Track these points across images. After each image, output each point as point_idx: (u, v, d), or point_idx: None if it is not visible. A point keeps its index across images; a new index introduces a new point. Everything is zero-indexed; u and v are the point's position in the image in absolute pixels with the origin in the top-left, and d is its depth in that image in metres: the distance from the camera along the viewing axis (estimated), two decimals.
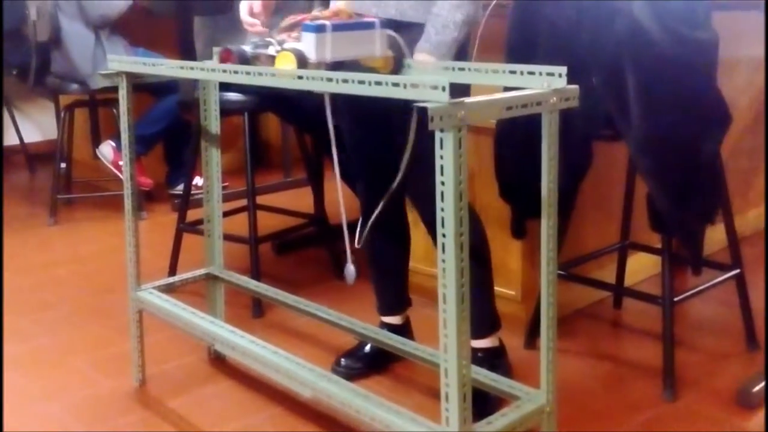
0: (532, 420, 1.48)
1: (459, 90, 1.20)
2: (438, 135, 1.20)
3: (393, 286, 2.09)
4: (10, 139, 4.71)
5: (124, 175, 1.95)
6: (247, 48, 1.56)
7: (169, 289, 2.08)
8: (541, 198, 1.42)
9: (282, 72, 1.45)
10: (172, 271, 2.66)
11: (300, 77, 1.40)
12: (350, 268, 1.58)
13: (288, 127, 3.88)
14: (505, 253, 2.25)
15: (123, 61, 1.87)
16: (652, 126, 1.77)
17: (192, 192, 2.75)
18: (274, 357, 1.66)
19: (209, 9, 2.53)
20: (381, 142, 1.86)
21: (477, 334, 1.87)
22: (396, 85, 1.25)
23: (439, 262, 1.25)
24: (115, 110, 3.43)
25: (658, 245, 2.03)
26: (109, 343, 2.31)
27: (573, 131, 1.77)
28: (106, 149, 3.57)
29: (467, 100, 1.20)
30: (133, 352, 2.02)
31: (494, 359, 1.92)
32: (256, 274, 2.45)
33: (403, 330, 2.06)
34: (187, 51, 2.58)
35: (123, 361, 2.13)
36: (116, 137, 3.51)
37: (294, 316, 2.24)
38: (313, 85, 1.39)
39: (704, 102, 1.80)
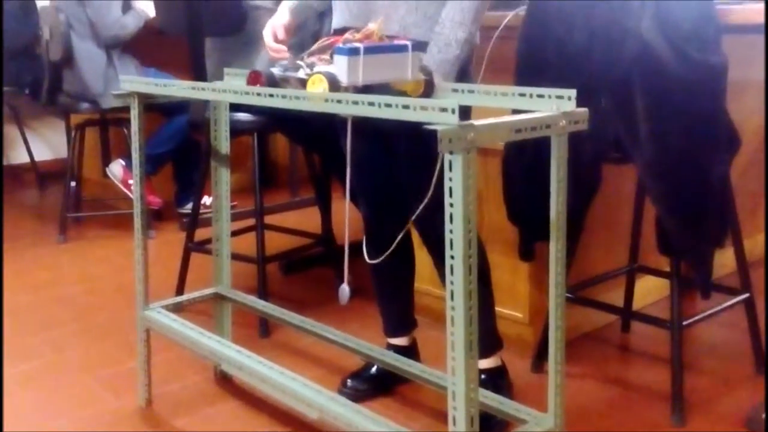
0: None
1: (461, 112, 1.21)
2: (447, 157, 1.20)
3: (398, 307, 2.08)
4: (21, 157, 4.75)
5: (135, 195, 1.96)
6: (276, 70, 1.56)
7: (176, 309, 2.09)
8: (549, 221, 1.42)
9: (312, 95, 1.45)
10: (180, 290, 2.66)
11: (326, 100, 1.41)
12: (345, 289, 1.58)
13: (296, 147, 3.89)
14: (513, 275, 2.24)
15: (135, 81, 1.88)
16: (661, 149, 1.77)
17: (200, 211, 2.76)
18: (281, 378, 1.65)
19: (220, 30, 2.55)
20: (386, 163, 1.86)
21: (480, 354, 1.86)
22: (406, 107, 1.26)
23: (447, 284, 1.25)
24: (125, 129, 3.46)
25: (667, 268, 2.02)
26: (116, 361, 2.31)
27: (582, 153, 1.77)
28: (116, 168, 3.59)
29: (477, 122, 1.20)
30: (139, 371, 2.02)
31: (497, 380, 1.92)
32: (264, 293, 2.45)
33: (410, 351, 2.06)
34: (198, 71, 2.60)
35: (130, 380, 2.13)
36: (126, 156, 3.53)
37: (301, 336, 2.24)
38: (325, 107, 1.40)
39: (713, 125, 1.80)
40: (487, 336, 1.90)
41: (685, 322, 1.94)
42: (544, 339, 1.79)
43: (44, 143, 4.89)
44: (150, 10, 3.38)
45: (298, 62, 1.55)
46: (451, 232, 1.22)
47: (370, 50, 1.46)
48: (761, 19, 1.83)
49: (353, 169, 1.92)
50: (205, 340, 1.87)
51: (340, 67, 1.44)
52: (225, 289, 2.15)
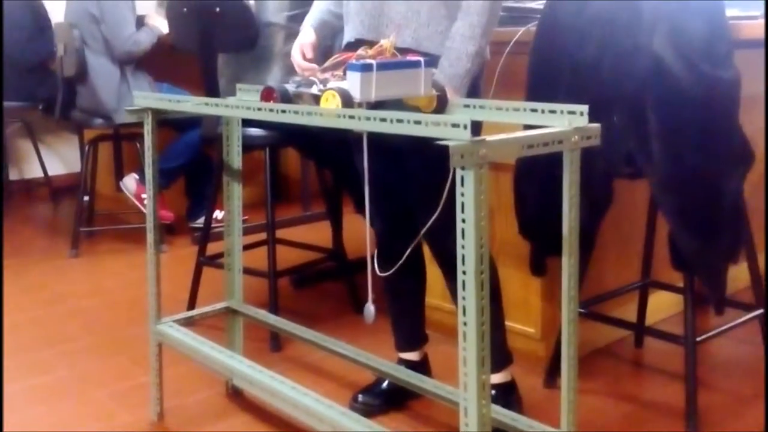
0: None
1: (471, 127, 1.22)
2: (459, 172, 1.20)
3: (410, 322, 2.08)
4: (35, 172, 4.79)
5: (147, 210, 1.97)
6: (290, 86, 1.57)
7: (188, 323, 2.09)
8: (561, 235, 1.42)
9: (325, 111, 1.46)
10: (192, 305, 2.67)
11: (339, 116, 1.41)
12: (370, 308, 1.57)
13: (308, 162, 3.90)
14: (525, 290, 2.24)
15: (149, 97, 1.90)
16: (674, 164, 1.77)
17: (212, 225, 2.77)
18: (292, 392, 1.65)
19: (233, 46, 2.57)
20: (399, 178, 1.87)
21: (491, 368, 1.86)
22: (417, 122, 1.27)
23: (459, 299, 1.25)
24: (138, 144, 3.48)
25: (680, 284, 2.01)
26: (129, 375, 2.31)
27: (594, 169, 1.77)
28: (130, 182, 3.61)
29: (488, 138, 1.20)
30: (152, 386, 2.02)
31: (507, 395, 1.92)
32: (275, 308, 2.45)
33: (421, 366, 2.05)
34: (211, 87, 2.62)
35: (142, 394, 2.13)
36: (140, 170, 3.55)
37: (312, 350, 2.24)
38: (337, 123, 1.41)
39: (726, 140, 1.79)
40: (497, 351, 1.89)
41: (698, 338, 1.93)
42: (557, 354, 1.78)
43: (58, 158, 4.93)
44: (163, 27, 3.41)
45: (312, 78, 1.56)
46: (463, 247, 1.22)
47: (383, 66, 1.46)
48: None
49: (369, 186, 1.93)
50: (216, 354, 1.87)
51: (353, 83, 1.45)
52: (236, 303, 2.16)
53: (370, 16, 1.78)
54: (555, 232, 1.45)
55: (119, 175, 3.85)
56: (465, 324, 1.24)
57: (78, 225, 3.56)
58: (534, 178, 1.91)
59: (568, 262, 1.43)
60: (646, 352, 2.39)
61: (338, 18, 1.91)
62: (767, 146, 2.32)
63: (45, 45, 4.07)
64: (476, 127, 1.62)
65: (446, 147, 1.16)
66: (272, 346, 2.45)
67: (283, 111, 1.51)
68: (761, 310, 2.09)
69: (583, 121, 1.36)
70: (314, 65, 1.77)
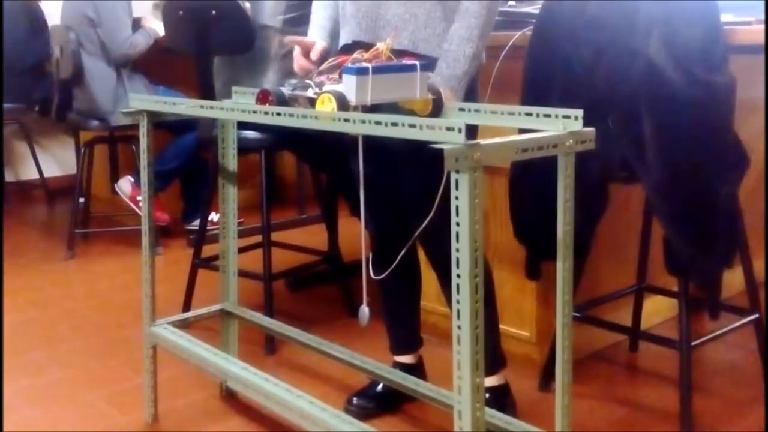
0: None
1: (468, 131, 1.22)
2: (454, 176, 1.20)
3: (405, 326, 2.08)
4: (30, 174, 4.78)
5: (143, 212, 1.96)
6: (285, 89, 1.58)
7: (183, 325, 2.09)
8: (556, 240, 1.42)
9: (320, 114, 1.46)
10: (187, 307, 2.66)
11: (334, 119, 1.41)
12: (364, 310, 1.57)
13: (303, 165, 3.90)
14: (520, 294, 2.24)
15: (144, 99, 1.90)
16: (669, 169, 1.77)
17: (207, 228, 2.77)
18: (287, 395, 1.65)
19: (229, 49, 2.57)
20: (394, 181, 1.87)
21: (484, 373, 1.86)
22: (412, 126, 1.27)
23: (453, 303, 1.25)
24: (134, 147, 3.48)
25: (675, 288, 2.01)
26: (123, 377, 2.31)
27: (589, 173, 1.77)
28: (125, 184, 3.61)
29: (483, 141, 1.21)
30: (146, 388, 2.02)
31: (501, 398, 1.93)
32: (270, 310, 2.45)
33: (416, 369, 2.05)
34: (207, 90, 2.62)
35: (136, 396, 2.13)
36: (135, 173, 3.55)
37: (307, 353, 2.23)
38: (333, 126, 1.41)
39: (721, 145, 1.80)
40: (491, 354, 1.89)
41: (693, 343, 1.93)
42: (551, 358, 1.78)
43: (53, 160, 4.92)
44: (159, 29, 3.41)
45: (307, 81, 1.56)
46: (457, 250, 1.22)
47: (378, 70, 1.47)
48: None
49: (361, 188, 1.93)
50: (211, 356, 1.86)
51: (348, 86, 1.45)
52: (231, 305, 2.16)
53: (368, 18, 1.78)
54: (550, 237, 1.45)
55: (115, 178, 3.85)
56: (459, 327, 1.24)
57: (73, 227, 3.56)
58: (529, 181, 1.91)
59: (563, 267, 1.43)
60: (640, 356, 2.39)
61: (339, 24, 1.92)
62: (767, 152, 2.33)
63: (41, 47, 4.06)
64: (472, 131, 1.63)
65: (441, 150, 1.16)
66: (267, 349, 2.45)
67: (279, 114, 1.51)
68: (756, 315, 2.10)
69: (577, 126, 1.36)
70: (312, 67, 1.77)
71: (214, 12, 2.55)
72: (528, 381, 2.15)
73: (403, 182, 1.84)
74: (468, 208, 1.20)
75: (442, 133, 1.21)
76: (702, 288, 1.96)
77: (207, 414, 2.09)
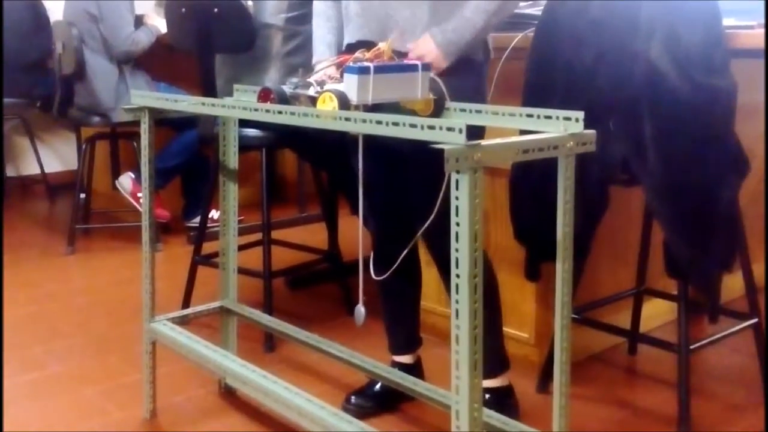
0: None
1: (474, 132, 1.22)
2: (454, 176, 1.20)
3: (404, 325, 2.08)
4: (32, 169, 4.78)
5: (143, 208, 1.97)
6: (287, 88, 1.58)
7: (182, 321, 2.09)
8: (556, 241, 1.42)
9: (321, 113, 1.46)
10: (186, 303, 2.66)
11: (335, 118, 1.41)
12: (360, 310, 1.57)
13: (304, 163, 3.91)
14: (519, 295, 2.24)
15: (146, 96, 1.90)
16: (669, 172, 1.77)
17: (208, 225, 2.77)
18: (285, 393, 1.65)
19: (231, 47, 2.58)
20: (397, 181, 1.87)
21: (486, 374, 1.85)
22: (413, 126, 1.27)
23: (452, 303, 1.25)
24: (135, 143, 3.48)
25: (675, 291, 2.01)
26: (122, 373, 2.31)
27: (589, 175, 1.77)
28: (126, 180, 3.61)
29: (484, 142, 1.21)
30: (144, 384, 2.02)
31: (503, 399, 1.92)
32: (269, 308, 2.45)
33: (414, 369, 2.05)
34: (208, 87, 2.62)
35: (134, 392, 2.13)
36: (136, 169, 3.55)
37: (305, 351, 2.24)
38: (334, 125, 1.41)
39: (722, 148, 1.80)
40: (495, 356, 1.89)
41: (692, 346, 1.93)
42: (550, 359, 1.78)
43: (55, 155, 4.92)
44: (162, 27, 3.41)
45: (309, 80, 1.56)
46: (457, 250, 1.22)
47: (380, 69, 1.47)
48: None
49: (366, 189, 1.92)
50: (210, 353, 1.87)
51: (350, 85, 1.45)
52: (231, 303, 2.16)
53: (375, 19, 1.77)
54: (550, 238, 1.45)
55: (116, 174, 3.85)
56: (458, 327, 1.25)
57: (74, 222, 3.56)
58: (529, 183, 1.91)
59: (562, 268, 1.43)
60: (639, 359, 2.39)
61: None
62: (767, 155, 2.33)
63: (43, 43, 4.07)
64: (479, 132, 1.63)
65: (441, 150, 1.16)
66: (266, 347, 2.45)
67: (280, 112, 1.51)
68: (755, 320, 2.10)
69: (578, 127, 1.36)
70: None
71: (216, 10, 2.56)
72: (526, 382, 2.15)
73: (408, 181, 1.84)
74: (468, 209, 1.20)
75: (443, 134, 1.21)
76: (701, 291, 1.96)
77: (205, 411, 2.09)
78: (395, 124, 1.30)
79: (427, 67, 1.54)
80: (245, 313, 2.15)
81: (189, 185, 3.76)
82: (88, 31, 3.44)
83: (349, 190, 2.70)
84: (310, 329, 2.09)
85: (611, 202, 2.00)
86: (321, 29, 1.92)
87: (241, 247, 2.32)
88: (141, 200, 2.05)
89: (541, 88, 1.87)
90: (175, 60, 3.39)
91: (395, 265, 1.73)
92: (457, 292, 1.24)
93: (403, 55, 1.64)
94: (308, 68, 1.83)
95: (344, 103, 1.44)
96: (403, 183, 1.87)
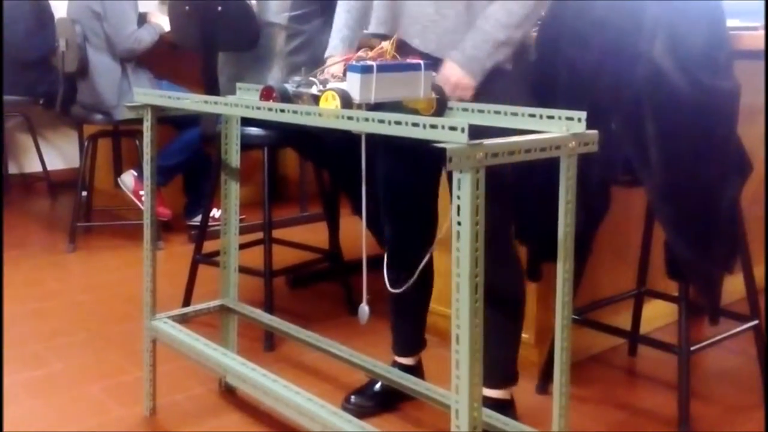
0: None
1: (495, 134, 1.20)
2: (456, 175, 1.20)
3: (411, 328, 2.06)
4: (34, 166, 4.78)
5: (145, 206, 1.97)
6: (289, 86, 1.58)
7: (183, 320, 2.09)
8: (557, 241, 1.42)
9: (324, 111, 1.45)
10: (187, 302, 2.67)
11: (338, 117, 1.41)
12: (364, 309, 1.57)
13: (306, 163, 3.91)
14: None
15: (149, 93, 1.90)
16: (671, 173, 1.77)
17: (209, 224, 2.77)
18: (285, 391, 1.65)
19: (234, 45, 2.58)
20: (423, 184, 1.85)
21: (491, 383, 1.85)
22: (415, 125, 1.27)
23: (453, 302, 1.25)
24: (137, 141, 3.48)
25: (675, 293, 2.01)
26: (122, 371, 2.31)
27: (591, 175, 1.77)
28: (128, 178, 3.61)
29: (485, 141, 1.21)
30: (145, 381, 2.02)
31: (503, 410, 1.82)
32: (270, 307, 2.45)
33: (415, 370, 2.05)
34: (211, 85, 2.62)
35: (135, 390, 2.13)
36: (138, 167, 3.56)
37: (305, 350, 2.24)
38: (336, 124, 1.41)
39: (724, 150, 1.79)
40: (504, 367, 1.87)
41: (692, 348, 1.93)
42: (550, 360, 1.78)
43: (57, 153, 4.93)
44: (165, 25, 3.42)
45: (311, 79, 1.56)
46: (457, 250, 1.22)
47: (383, 68, 1.47)
48: None
49: (385, 191, 1.87)
50: (210, 351, 1.87)
51: (352, 84, 1.45)
52: (231, 301, 2.16)
53: (394, 12, 1.72)
54: (551, 238, 1.45)
55: (118, 172, 3.86)
56: (458, 327, 1.24)
57: (75, 220, 3.56)
58: (531, 183, 1.91)
59: (563, 268, 1.43)
60: (639, 360, 2.39)
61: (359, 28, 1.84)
62: (767, 157, 2.33)
63: (46, 40, 4.07)
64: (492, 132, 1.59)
65: (443, 149, 1.16)
66: (266, 346, 2.45)
67: (282, 110, 1.51)
68: (756, 321, 2.10)
69: (581, 128, 1.36)
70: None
71: (219, 8, 2.56)
72: (526, 383, 2.15)
73: (430, 182, 1.81)
74: (469, 208, 1.20)
75: (445, 133, 1.21)
76: (702, 293, 1.96)
77: (205, 409, 2.09)
78: (397, 123, 1.30)
79: (430, 66, 1.54)
80: (246, 311, 2.15)
81: (191, 184, 3.77)
82: (92, 28, 3.44)
83: (351, 189, 2.70)
84: (311, 328, 2.09)
85: (613, 202, 2.00)
86: (339, 21, 1.86)
87: (242, 246, 2.32)
88: (143, 198, 2.05)
89: (543, 88, 1.87)
90: (178, 58, 3.39)
91: (413, 279, 1.67)
92: (457, 292, 1.24)
93: (424, 57, 1.60)
94: (311, 67, 1.83)
95: (347, 101, 1.44)
96: (430, 187, 1.84)
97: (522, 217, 2.00)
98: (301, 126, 1.51)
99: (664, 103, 1.74)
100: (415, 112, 1.57)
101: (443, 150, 1.15)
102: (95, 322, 2.70)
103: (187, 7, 2.67)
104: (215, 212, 3.45)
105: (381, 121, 1.32)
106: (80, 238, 3.63)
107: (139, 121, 1.92)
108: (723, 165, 1.80)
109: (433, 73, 1.58)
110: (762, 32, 1.88)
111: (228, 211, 2.13)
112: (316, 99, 1.51)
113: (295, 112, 1.49)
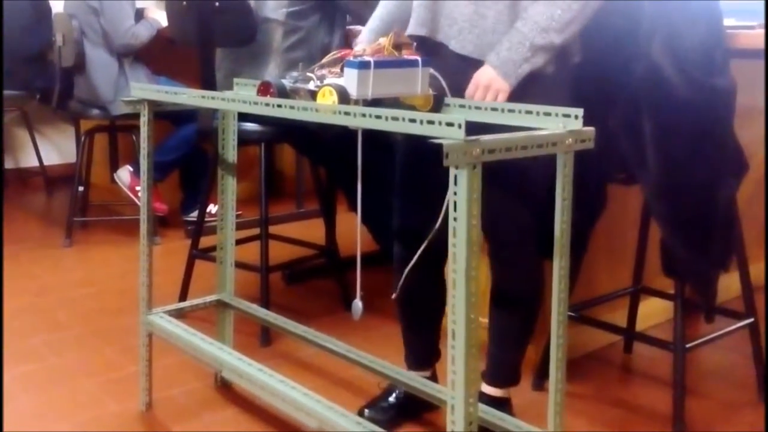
0: None
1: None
2: (452, 171, 1.21)
3: (425, 339, 1.92)
4: (30, 161, 4.78)
5: (141, 201, 1.97)
6: (286, 82, 1.57)
7: (179, 314, 2.09)
8: (553, 238, 1.42)
9: (321, 107, 1.45)
10: (183, 297, 2.67)
11: (335, 112, 1.40)
12: (357, 304, 1.57)
13: (303, 159, 3.91)
14: None
15: (146, 88, 1.90)
16: (667, 171, 1.78)
17: (206, 219, 2.77)
18: (281, 386, 1.65)
19: (231, 41, 2.57)
20: (438, 177, 1.82)
21: (493, 381, 1.85)
22: (413, 120, 1.27)
23: (449, 297, 1.25)
24: (134, 136, 3.48)
25: (671, 290, 2.02)
26: (118, 365, 2.31)
27: (588, 173, 1.77)
28: (124, 174, 3.61)
29: (482, 137, 1.21)
30: (141, 376, 2.02)
31: (499, 407, 1.80)
32: (266, 302, 2.45)
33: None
34: (208, 81, 2.62)
35: (131, 384, 2.13)
36: (134, 162, 3.55)
37: (301, 346, 2.24)
38: (333, 119, 1.41)
39: (720, 148, 1.80)
40: (509, 367, 1.86)
41: (688, 345, 1.93)
42: (546, 357, 1.78)
43: (54, 148, 4.92)
44: (162, 20, 3.41)
45: (309, 74, 1.56)
46: (454, 245, 1.23)
47: (380, 64, 1.47)
48: None
49: (399, 190, 1.81)
50: (206, 346, 1.87)
51: (350, 80, 1.45)
52: (228, 296, 2.16)
53: (431, 13, 1.68)
54: (547, 235, 1.45)
55: (114, 167, 3.85)
56: (454, 322, 1.25)
57: (72, 215, 3.56)
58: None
59: (559, 265, 1.43)
60: (635, 357, 2.40)
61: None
62: (767, 155, 2.33)
63: (43, 35, 4.06)
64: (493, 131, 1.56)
65: (441, 145, 1.16)
66: (262, 341, 2.45)
67: (279, 106, 1.51)
68: (751, 319, 2.10)
69: (577, 125, 1.37)
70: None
71: (217, 4, 2.55)
72: (522, 379, 2.15)
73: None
74: (466, 204, 1.20)
75: (442, 129, 1.21)
76: (698, 290, 1.97)
77: (201, 403, 2.09)
78: (394, 118, 1.30)
79: (427, 62, 1.54)
80: (242, 306, 2.15)
81: (187, 179, 3.76)
82: (89, 23, 3.43)
83: (347, 186, 2.70)
84: (307, 324, 2.09)
85: (609, 200, 2.00)
86: (375, 13, 1.82)
87: (239, 242, 2.32)
88: (139, 193, 2.05)
89: None
90: (175, 53, 3.38)
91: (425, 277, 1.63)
92: (454, 288, 1.24)
93: (462, 59, 1.57)
94: (308, 63, 1.83)
95: (344, 97, 1.44)
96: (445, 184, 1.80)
97: None
98: (298, 122, 1.51)
99: (660, 100, 1.74)
100: (413, 108, 1.57)
101: (440, 146, 1.16)
102: (91, 317, 2.70)
103: (184, 3, 2.66)
104: (212, 208, 3.44)
105: (378, 117, 1.32)
106: (77, 233, 3.63)
107: (136, 116, 1.92)
108: (719, 163, 1.80)
109: (431, 70, 1.58)
110: (759, 31, 1.88)
111: (225, 206, 2.13)
112: (313, 94, 1.51)
113: (292, 107, 1.49)
